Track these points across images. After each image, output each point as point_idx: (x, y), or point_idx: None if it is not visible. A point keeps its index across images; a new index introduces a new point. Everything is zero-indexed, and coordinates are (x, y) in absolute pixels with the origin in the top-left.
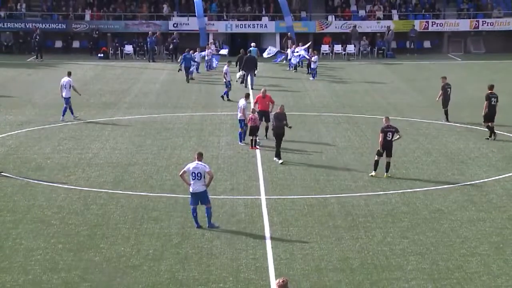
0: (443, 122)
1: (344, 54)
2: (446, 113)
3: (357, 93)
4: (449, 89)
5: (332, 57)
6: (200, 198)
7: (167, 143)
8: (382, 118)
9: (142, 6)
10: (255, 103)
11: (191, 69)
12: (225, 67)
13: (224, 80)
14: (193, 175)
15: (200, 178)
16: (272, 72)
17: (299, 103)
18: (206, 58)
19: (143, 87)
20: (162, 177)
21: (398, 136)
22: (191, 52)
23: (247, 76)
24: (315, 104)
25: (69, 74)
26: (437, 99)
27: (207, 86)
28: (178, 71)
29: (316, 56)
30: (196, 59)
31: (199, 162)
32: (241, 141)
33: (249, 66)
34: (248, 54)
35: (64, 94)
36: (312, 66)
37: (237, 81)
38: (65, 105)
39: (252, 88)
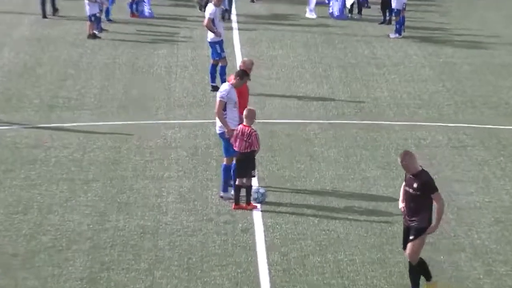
0: None
1: None
2: None
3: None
4: None
5: None
6: None
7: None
8: None
9: None
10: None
11: (90, 13)
12: (211, 7)
13: (211, 40)
14: None
15: None
16: (304, 22)
17: (362, 96)
18: None
19: None
20: None
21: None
22: None
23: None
24: (403, 98)
25: None
26: None
27: (134, 52)
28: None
29: None
30: None
31: None
32: (225, 190)
33: None
34: None
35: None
36: (393, 6)
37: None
38: None
39: (229, 17)
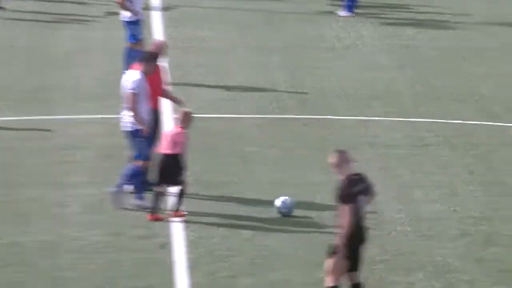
0: None
1: None
2: None
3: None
4: None
5: None
6: None
7: None
8: None
9: None
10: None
11: None
12: None
13: (127, 19)
14: None
15: None
16: None
17: (307, 85)
18: None
19: None
20: None
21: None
22: None
23: None
24: (355, 88)
25: None
26: None
27: (34, 33)
28: None
29: None
30: None
31: None
32: (138, 197)
33: None
34: None
35: None
36: None
37: None
38: None
39: None
